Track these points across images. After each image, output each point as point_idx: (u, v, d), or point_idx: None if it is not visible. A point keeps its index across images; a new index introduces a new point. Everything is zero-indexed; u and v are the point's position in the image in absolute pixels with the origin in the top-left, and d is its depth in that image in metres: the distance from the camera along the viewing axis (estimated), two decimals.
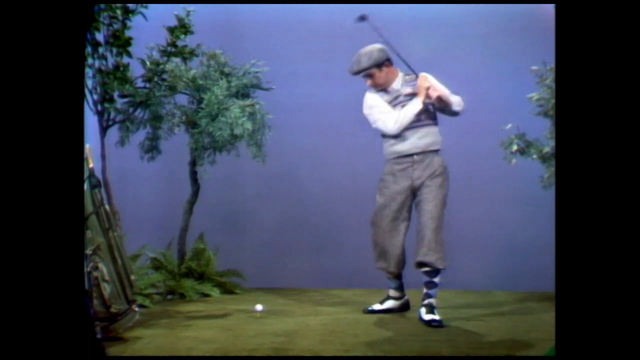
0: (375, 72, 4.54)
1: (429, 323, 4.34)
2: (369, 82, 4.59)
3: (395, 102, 4.55)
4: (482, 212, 5.83)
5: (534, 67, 5.17)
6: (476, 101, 5.81)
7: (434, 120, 4.59)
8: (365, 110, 4.62)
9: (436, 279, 4.44)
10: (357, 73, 4.57)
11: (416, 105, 4.47)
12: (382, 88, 4.58)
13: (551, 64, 5.02)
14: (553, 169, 5.06)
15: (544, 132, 5.20)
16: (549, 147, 5.11)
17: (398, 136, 4.51)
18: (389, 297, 4.78)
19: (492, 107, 5.74)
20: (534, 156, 5.19)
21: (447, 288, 4.93)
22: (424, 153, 4.52)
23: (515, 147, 5.22)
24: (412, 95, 4.53)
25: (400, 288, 4.76)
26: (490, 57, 5.89)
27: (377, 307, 4.78)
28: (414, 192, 4.55)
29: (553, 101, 5.00)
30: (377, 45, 4.56)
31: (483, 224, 5.80)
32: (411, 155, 4.52)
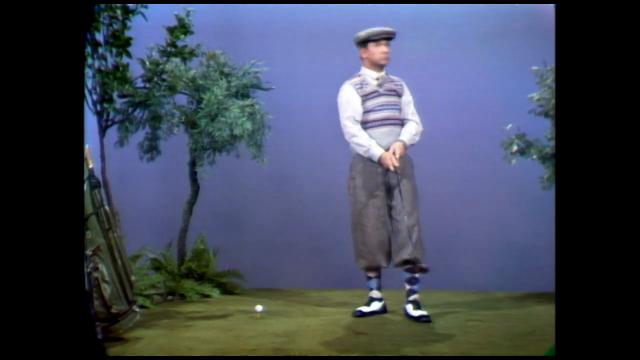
0: (370, 46, 4.57)
1: (419, 319, 4.37)
2: (362, 53, 4.61)
3: (371, 96, 4.57)
4: (482, 212, 5.83)
5: (534, 67, 5.17)
6: (476, 101, 5.84)
7: (399, 121, 4.58)
8: (339, 102, 4.65)
9: (417, 275, 4.50)
10: (358, 43, 4.61)
11: (376, 153, 4.48)
12: (369, 66, 4.61)
13: (551, 64, 5.02)
14: (553, 169, 5.06)
15: (544, 132, 5.20)
16: (549, 147, 5.11)
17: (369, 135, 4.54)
18: (373, 299, 4.67)
19: (492, 107, 5.74)
20: (534, 156, 5.19)
21: (447, 288, 4.94)
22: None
23: (515, 148, 5.22)
24: (391, 91, 4.57)
25: (379, 287, 4.69)
26: (491, 57, 5.89)
27: (365, 309, 4.65)
28: (388, 191, 4.55)
29: (553, 101, 5.00)
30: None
31: (483, 224, 5.80)
32: None
